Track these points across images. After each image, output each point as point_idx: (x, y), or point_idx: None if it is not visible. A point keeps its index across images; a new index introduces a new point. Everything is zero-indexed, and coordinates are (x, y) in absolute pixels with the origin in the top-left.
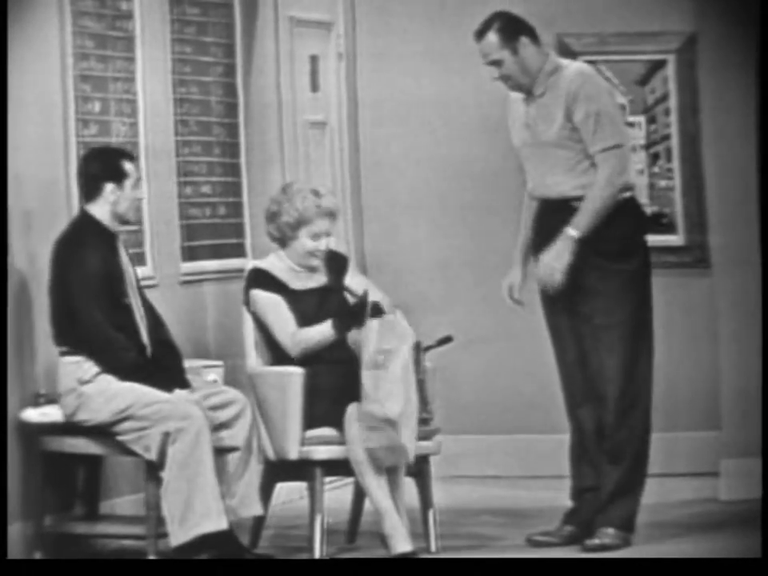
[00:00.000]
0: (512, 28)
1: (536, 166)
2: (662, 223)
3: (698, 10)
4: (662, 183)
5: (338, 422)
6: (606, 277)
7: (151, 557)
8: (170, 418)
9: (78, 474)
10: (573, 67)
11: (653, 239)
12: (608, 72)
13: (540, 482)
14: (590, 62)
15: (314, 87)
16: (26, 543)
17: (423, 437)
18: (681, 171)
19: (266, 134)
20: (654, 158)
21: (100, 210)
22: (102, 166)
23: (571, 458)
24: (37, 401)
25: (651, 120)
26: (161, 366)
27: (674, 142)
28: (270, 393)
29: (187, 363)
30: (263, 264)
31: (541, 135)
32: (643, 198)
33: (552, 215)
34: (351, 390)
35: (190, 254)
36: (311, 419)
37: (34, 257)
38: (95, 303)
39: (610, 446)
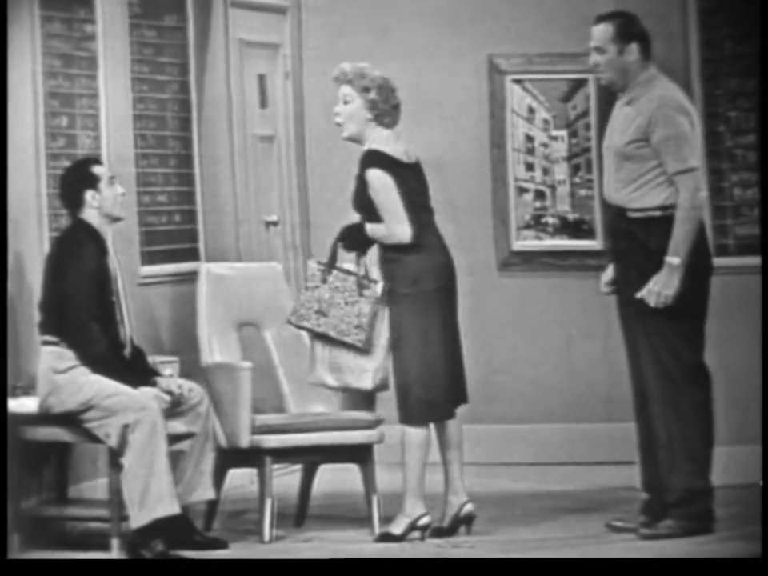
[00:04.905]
0: (629, 31)
1: (607, 170)
2: (582, 229)
3: None
4: (583, 192)
5: None
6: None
7: (114, 539)
8: (129, 409)
9: (49, 460)
10: (657, 90)
11: (574, 243)
12: (534, 89)
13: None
14: (518, 81)
15: (263, 104)
16: (5, 526)
17: (367, 427)
18: (599, 182)
19: (218, 147)
20: (575, 169)
21: (89, 216)
22: (76, 176)
23: (641, 450)
24: (13, 392)
25: (573, 134)
26: (130, 363)
27: (594, 155)
28: (222, 385)
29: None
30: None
31: (614, 142)
32: (565, 206)
33: (615, 220)
34: None
35: (148, 259)
36: None
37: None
38: (83, 295)
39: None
